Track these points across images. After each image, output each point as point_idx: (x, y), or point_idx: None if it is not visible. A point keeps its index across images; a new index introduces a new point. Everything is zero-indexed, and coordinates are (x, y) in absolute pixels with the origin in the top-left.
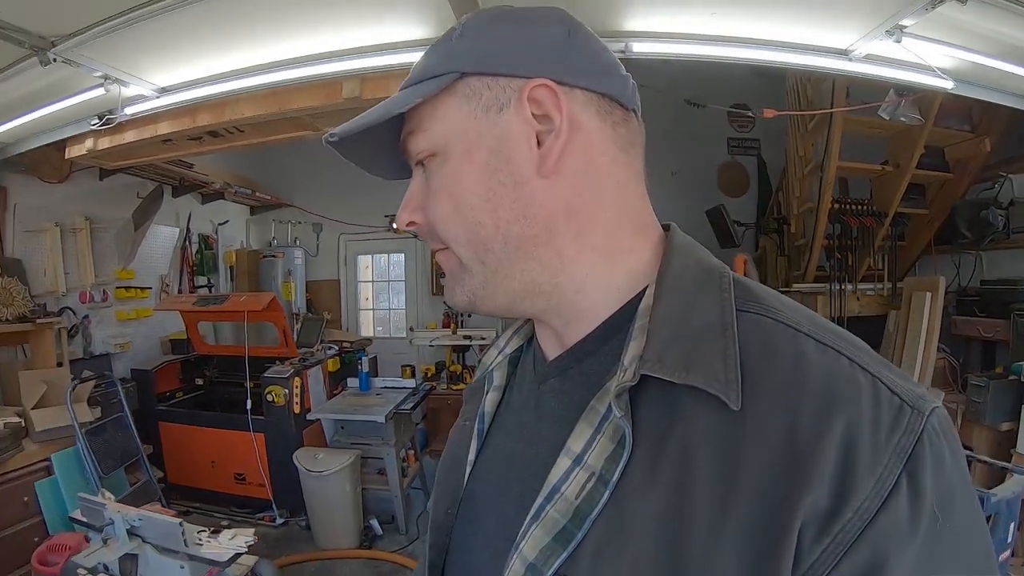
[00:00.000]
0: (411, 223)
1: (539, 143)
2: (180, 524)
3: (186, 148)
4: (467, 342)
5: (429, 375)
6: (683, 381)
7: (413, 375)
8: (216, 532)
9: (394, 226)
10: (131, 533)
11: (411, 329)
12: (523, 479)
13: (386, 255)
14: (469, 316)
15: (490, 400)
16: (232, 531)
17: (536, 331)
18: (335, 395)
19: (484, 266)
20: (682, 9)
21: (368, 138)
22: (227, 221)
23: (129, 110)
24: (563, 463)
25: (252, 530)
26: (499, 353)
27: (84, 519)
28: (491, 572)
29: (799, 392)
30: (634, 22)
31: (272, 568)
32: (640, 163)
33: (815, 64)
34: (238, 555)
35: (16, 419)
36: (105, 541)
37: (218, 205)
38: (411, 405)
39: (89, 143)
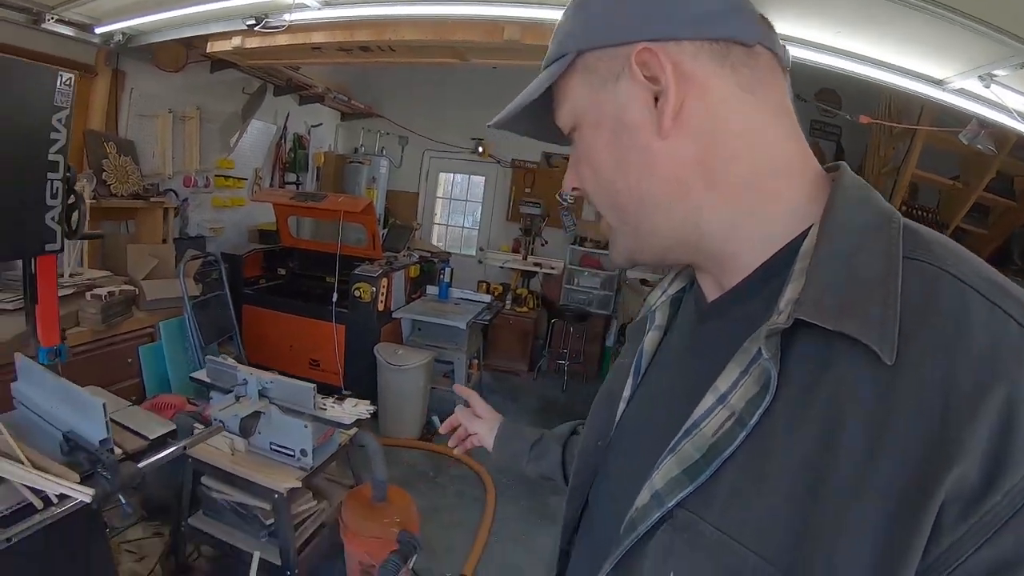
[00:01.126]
0: (574, 188)
1: (657, 104)
2: (313, 388)
3: (333, 57)
4: (536, 268)
5: (496, 294)
6: (836, 328)
7: (488, 291)
8: (340, 399)
9: (561, 193)
10: (261, 394)
11: (480, 249)
12: (671, 413)
13: (466, 176)
14: (544, 244)
15: (650, 339)
16: (353, 400)
17: (696, 274)
18: (414, 299)
19: (627, 225)
20: (811, 21)
21: (527, 115)
22: (320, 124)
23: (289, 17)
24: (708, 400)
25: (368, 400)
26: (663, 293)
27: (208, 380)
28: (629, 499)
29: (959, 353)
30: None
31: (371, 438)
32: (778, 98)
33: (913, 88)
34: (359, 420)
35: (130, 287)
36: (238, 398)
37: (313, 108)
38: (488, 317)
39: (236, 41)
